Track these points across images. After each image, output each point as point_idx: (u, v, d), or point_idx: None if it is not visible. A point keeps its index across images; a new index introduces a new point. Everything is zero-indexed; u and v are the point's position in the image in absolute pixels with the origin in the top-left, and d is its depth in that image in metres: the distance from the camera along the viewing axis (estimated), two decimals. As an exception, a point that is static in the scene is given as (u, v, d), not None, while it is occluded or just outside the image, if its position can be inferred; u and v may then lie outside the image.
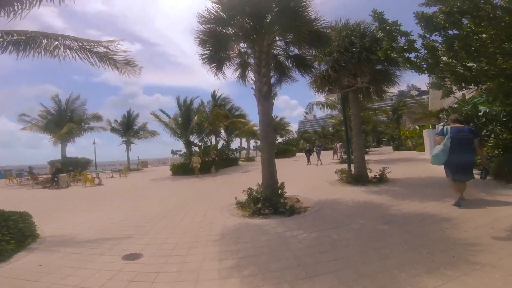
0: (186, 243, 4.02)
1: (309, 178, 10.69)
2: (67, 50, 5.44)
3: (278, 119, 44.97)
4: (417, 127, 26.70)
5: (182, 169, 17.37)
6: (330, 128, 59.07)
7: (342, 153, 19.75)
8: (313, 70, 7.43)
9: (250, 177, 12.95)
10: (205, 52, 6.45)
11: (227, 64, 6.95)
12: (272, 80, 6.86)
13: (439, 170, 7.83)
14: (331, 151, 20.46)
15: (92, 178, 14.73)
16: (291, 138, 52.04)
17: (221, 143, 24.07)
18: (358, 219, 4.47)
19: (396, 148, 28.84)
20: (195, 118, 17.28)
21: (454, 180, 4.74)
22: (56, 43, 5.30)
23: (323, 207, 5.46)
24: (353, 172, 8.37)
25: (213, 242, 3.99)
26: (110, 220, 5.89)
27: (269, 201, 5.51)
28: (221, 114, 20.20)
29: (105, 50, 5.89)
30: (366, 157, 20.69)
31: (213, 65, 6.73)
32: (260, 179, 6.02)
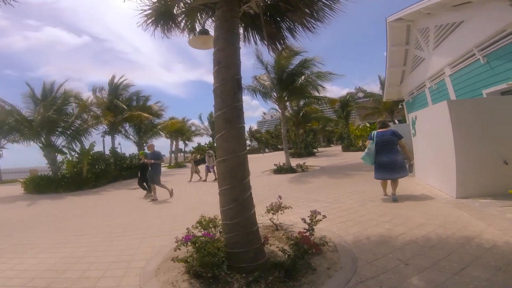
0: None
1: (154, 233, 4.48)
2: None
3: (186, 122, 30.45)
4: (367, 124, 23.45)
5: (33, 185, 11.49)
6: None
7: (213, 170, 10.99)
8: None
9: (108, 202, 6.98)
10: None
11: None
12: None
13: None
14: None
15: None
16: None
17: (109, 146, 17.09)
18: None
19: (346, 148, 25.43)
20: (41, 111, 10.49)
21: (381, 179, 4.85)
22: None
23: None
24: (224, 241, 2.55)
25: None
26: None
27: None
28: (104, 104, 13.26)
29: None
30: (312, 161, 14.86)
31: None
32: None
